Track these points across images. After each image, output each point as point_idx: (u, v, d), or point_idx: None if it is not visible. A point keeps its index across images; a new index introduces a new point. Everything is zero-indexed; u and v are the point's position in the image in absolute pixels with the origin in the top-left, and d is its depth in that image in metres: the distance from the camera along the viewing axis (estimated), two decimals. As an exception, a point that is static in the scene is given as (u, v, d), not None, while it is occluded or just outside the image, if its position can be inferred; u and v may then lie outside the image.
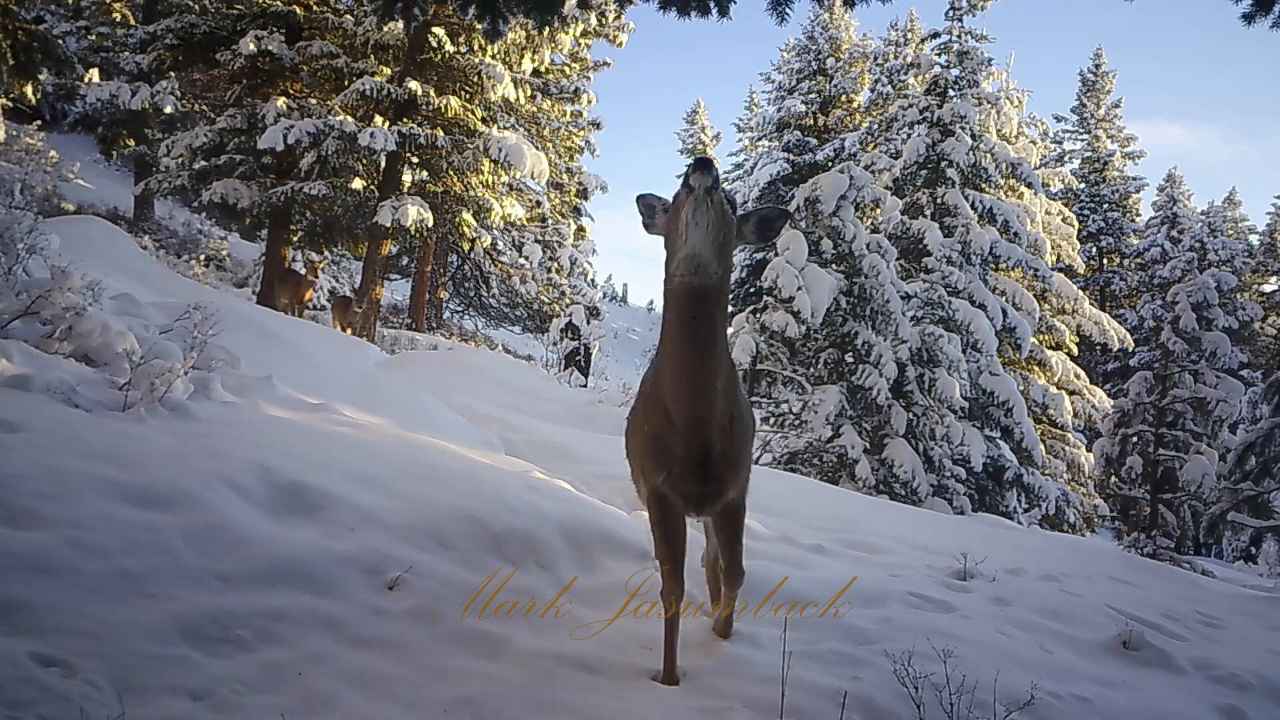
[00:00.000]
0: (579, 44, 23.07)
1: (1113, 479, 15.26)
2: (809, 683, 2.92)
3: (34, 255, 4.75)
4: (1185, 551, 15.90)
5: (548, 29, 16.88)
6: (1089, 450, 17.34)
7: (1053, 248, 21.03)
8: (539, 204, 22.76)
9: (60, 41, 10.26)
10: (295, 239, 18.05)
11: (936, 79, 18.33)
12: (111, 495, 2.96)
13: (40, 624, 2.33)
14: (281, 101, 15.82)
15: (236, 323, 5.80)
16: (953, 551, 5.75)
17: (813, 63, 31.64)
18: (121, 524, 2.83)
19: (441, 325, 24.03)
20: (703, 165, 2.64)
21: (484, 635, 2.96)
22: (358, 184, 16.55)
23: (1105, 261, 35.44)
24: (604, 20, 20.59)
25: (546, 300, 23.81)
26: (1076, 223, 24.73)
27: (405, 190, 16.42)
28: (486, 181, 17.44)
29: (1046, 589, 5.29)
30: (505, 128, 18.93)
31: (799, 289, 12.41)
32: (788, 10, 4.25)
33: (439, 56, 16.33)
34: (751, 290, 22.47)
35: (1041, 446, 16.34)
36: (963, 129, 17.67)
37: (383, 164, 16.54)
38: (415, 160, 16.66)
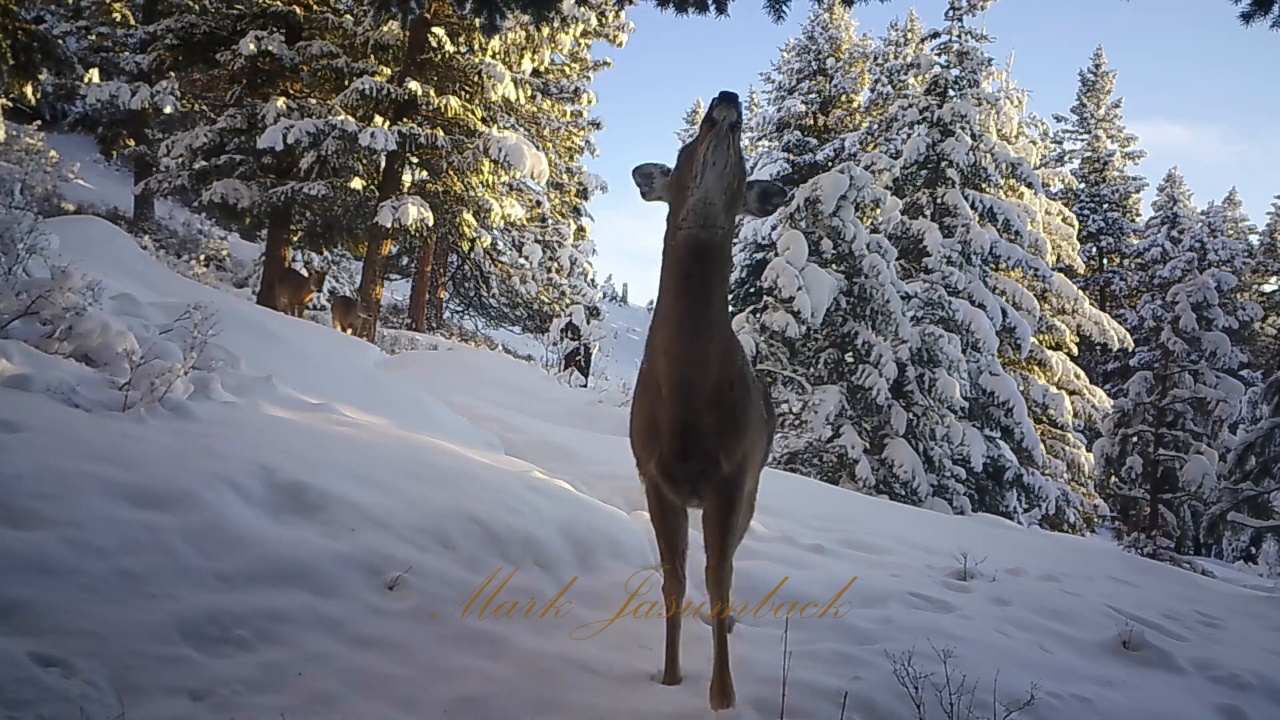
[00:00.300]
0: (579, 44, 23.07)
1: (1113, 479, 15.25)
2: (809, 683, 2.92)
3: (34, 255, 4.75)
4: (1185, 551, 15.90)
5: (548, 28, 16.94)
6: (1089, 450, 17.34)
7: (1053, 248, 21.03)
8: (539, 204, 22.77)
9: (60, 41, 10.26)
10: (295, 239, 18.06)
11: (936, 79, 18.33)
12: (111, 495, 2.96)
13: (40, 624, 2.33)
14: (281, 101, 15.83)
15: (236, 323, 5.80)
16: (953, 551, 5.76)
17: (813, 63, 31.64)
18: (121, 524, 2.83)
19: (441, 325, 24.03)
20: (728, 98, 2.45)
21: (484, 635, 2.96)
22: (358, 184, 16.56)
23: (1105, 261, 35.45)
24: (604, 20, 20.60)
25: (546, 300, 23.81)
26: (1076, 223, 24.73)
27: (405, 190, 16.42)
28: (486, 181, 17.45)
29: (1046, 589, 5.29)
30: (505, 128, 18.94)
31: (799, 289, 12.41)
32: (784, 8, 4.24)
33: (439, 56, 16.33)
34: (751, 290, 22.48)
35: (1041, 446, 16.34)
36: (963, 129, 17.67)
37: (383, 164, 16.54)
38: (415, 160, 16.66)
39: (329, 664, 2.56)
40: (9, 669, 2.13)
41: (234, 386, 4.64)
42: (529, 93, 19.30)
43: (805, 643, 3.33)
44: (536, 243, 23.20)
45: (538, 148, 19.04)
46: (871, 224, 16.56)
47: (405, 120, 16.03)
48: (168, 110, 17.43)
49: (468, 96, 17.13)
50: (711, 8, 4.39)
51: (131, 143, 21.52)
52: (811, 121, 30.83)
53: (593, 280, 26.47)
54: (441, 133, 16.25)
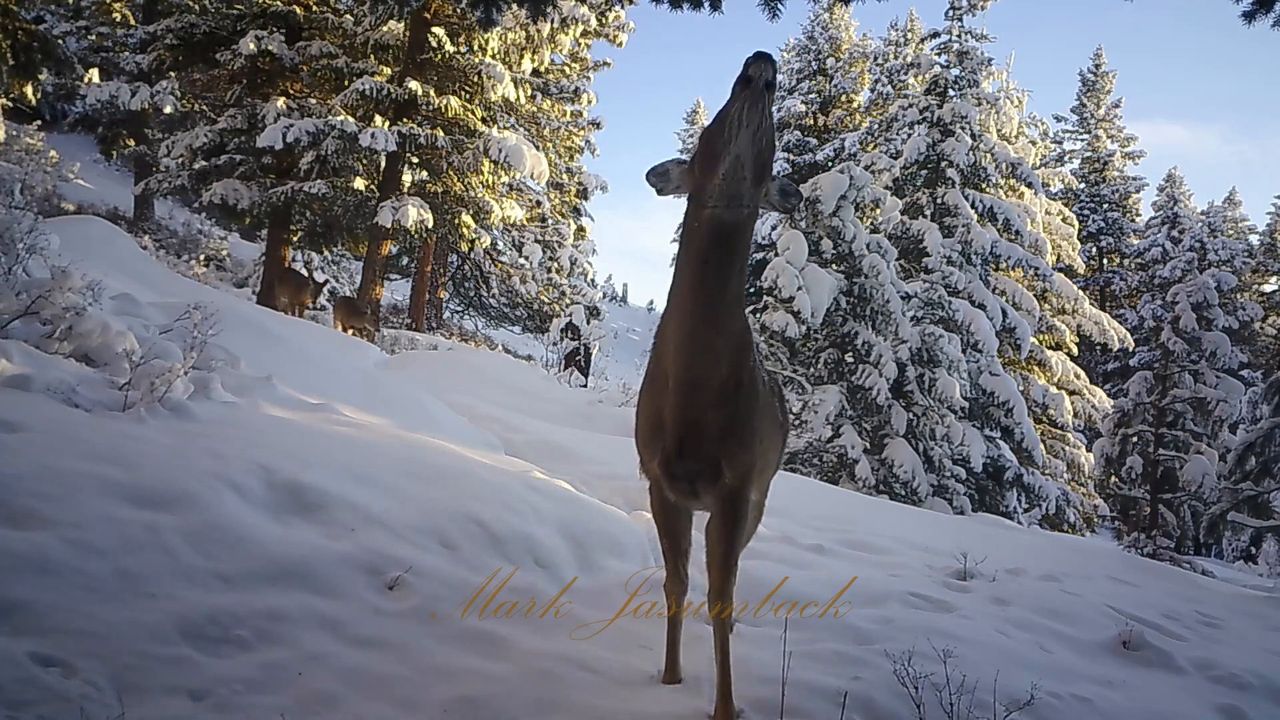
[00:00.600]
0: (579, 44, 23.07)
1: (1113, 479, 15.25)
2: (809, 683, 2.92)
3: (34, 255, 4.75)
4: (1185, 551, 15.90)
5: (547, 26, 16.94)
6: (1089, 450, 17.34)
7: (1053, 248, 21.03)
8: (539, 204, 22.77)
9: (60, 41, 10.26)
10: (295, 239, 18.06)
11: (936, 79, 18.33)
12: (111, 495, 2.96)
13: (40, 624, 2.33)
14: (281, 101, 15.83)
15: (236, 323, 5.80)
16: (953, 551, 5.76)
17: (813, 63, 31.65)
18: (121, 524, 2.83)
19: (441, 325, 24.02)
20: (764, 55, 2.31)
21: (484, 635, 2.96)
22: (358, 184, 16.56)
23: (1105, 261, 35.45)
24: (604, 20, 20.59)
25: (546, 300, 23.81)
26: (1076, 223, 24.73)
27: (405, 190, 16.43)
28: (486, 182, 17.45)
29: (1046, 589, 5.29)
30: (505, 128, 18.95)
31: (799, 289, 12.41)
32: (779, 7, 4.23)
33: (439, 56, 16.33)
34: (751, 290, 22.49)
35: (1041, 446, 16.34)
36: (963, 129, 17.67)
37: (383, 164, 16.55)
38: (415, 160, 16.67)
39: (329, 664, 2.56)
40: (9, 669, 2.13)
41: (234, 386, 4.64)
42: (529, 93, 19.31)
43: (805, 643, 3.33)
44: (536, 243, 23.20)
45: (538, 148, 19.05)
46: (871, 224, 16.56)
47: (405, 120, 16.04)
48: (168, 110, 17.44)
49: (468, 96, 17.14)
50: (706, 4, 4.39)
51: (131, 143, 21.53)
52: (811, 121, 30.84)
53: (593, 280, 26.47)
54: (441, 133, 16.25)
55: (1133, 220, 36.03)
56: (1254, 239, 37.62)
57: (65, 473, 2.97)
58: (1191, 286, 15.14)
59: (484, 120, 17.36)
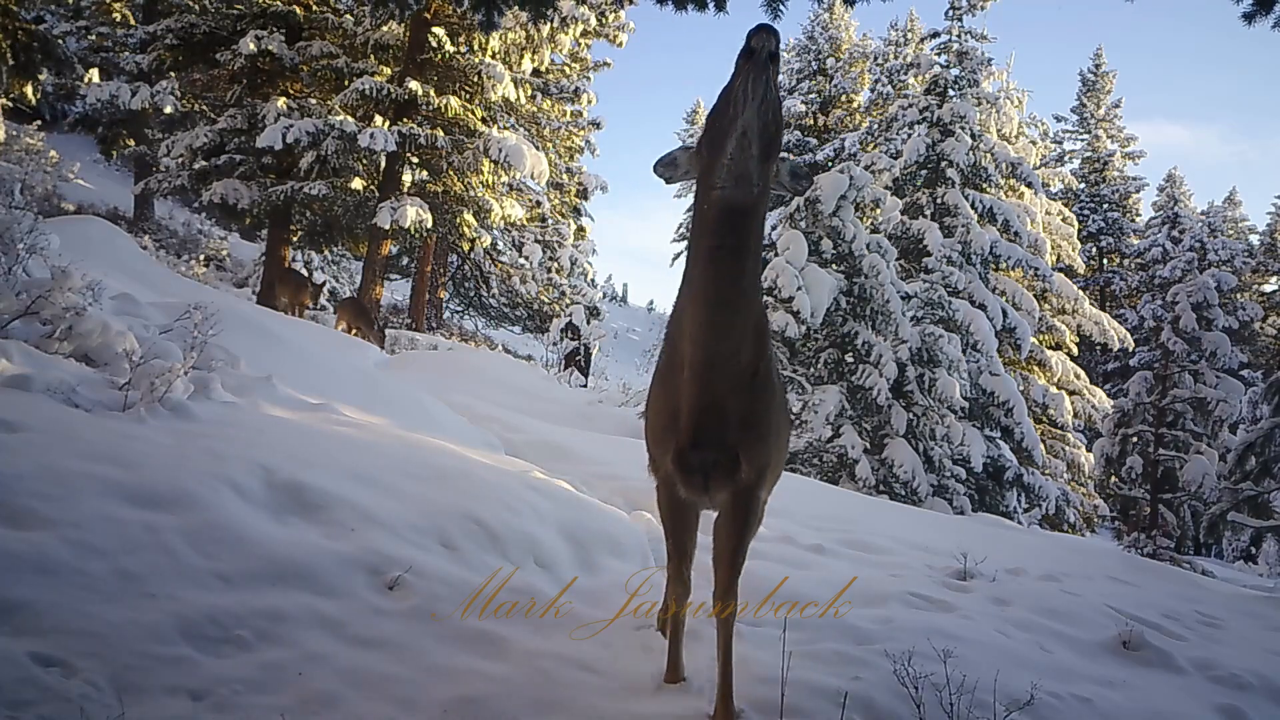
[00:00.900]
0: (579, 44, 23.07)
1: (1113, 479, 15.26)
2: (809, 683, 2.92)
3: (34, 255, 4.75)
4: (1185, 551, 15.90)
5: (547, 27, 16.94)
6: (1089, 450, 17.34)
7: (1053, 248, 21.03)
8: (539, 204, 22.77)
9: (60, 41, 10.26)
10: (295, 239, 18.07)
11: (936, 79, 18.33)
12: (111, 495, 2.96)
13: (40, 624, 2.33)
14: (281, 101, 15.84)
15: (236, 323, 5.80)
16: (953, 551, 5.76)
17: (813, 63, 31.66)
18: (121, 524, 2.83)
19: (441, 325, 24.02)
20: (766, 27, 2.28)
21: (484, 635, 2.96)
22: (358, 184, 16.57)
23: (1105, 261, 35.44)
24: (604, 20, 20.60)
25: (546, 300, 23.81)
26: (1076, 223, 24.73)
27: (405, 190, 16.43)
28: (486, 182, 17.46)
29: (1046, 589, 5.29)
30: (505, 128, 18.95)
31: (799, 289, 12.41)
32: (781, 6, 4.22)
33: (439, 56, 16.34)
34: (751, 290, 22.39)
35: (1041, 446, 16.33)
36: (963, 129, 17.67)
37: (383, 164, 16.55)
38: (415, 160, 16.67)
39: (329, 664, 2.56)
40: (9, 669, 2.13)
41: (234, 386, 4.64)
42: (529, 93, 19.31)
43: (805, 643, 3.33)
44: (536, 243, 23.20)
45: (538, 148, 19.06)
46: (871, 224, 16.55)
47: (405, 120, 16.04)
48: (168, 110, 17.44)
49: (468, 96, 17.14)
50: (710, 5, 4.38)
51: (131, 143, 21.52)
52: (811, 121, 30.84)
53: (593, 280, 26.47)
54: (441, 133, 16.26)
55: (1133, 220, 36.03)
56: (1254, 239, 37.63)
57: (65, 473, 2.97)
58: (1191, 286, 15.15)
59: (484, 120, 17.37)
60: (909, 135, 18.47)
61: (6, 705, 2.04)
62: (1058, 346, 19.57)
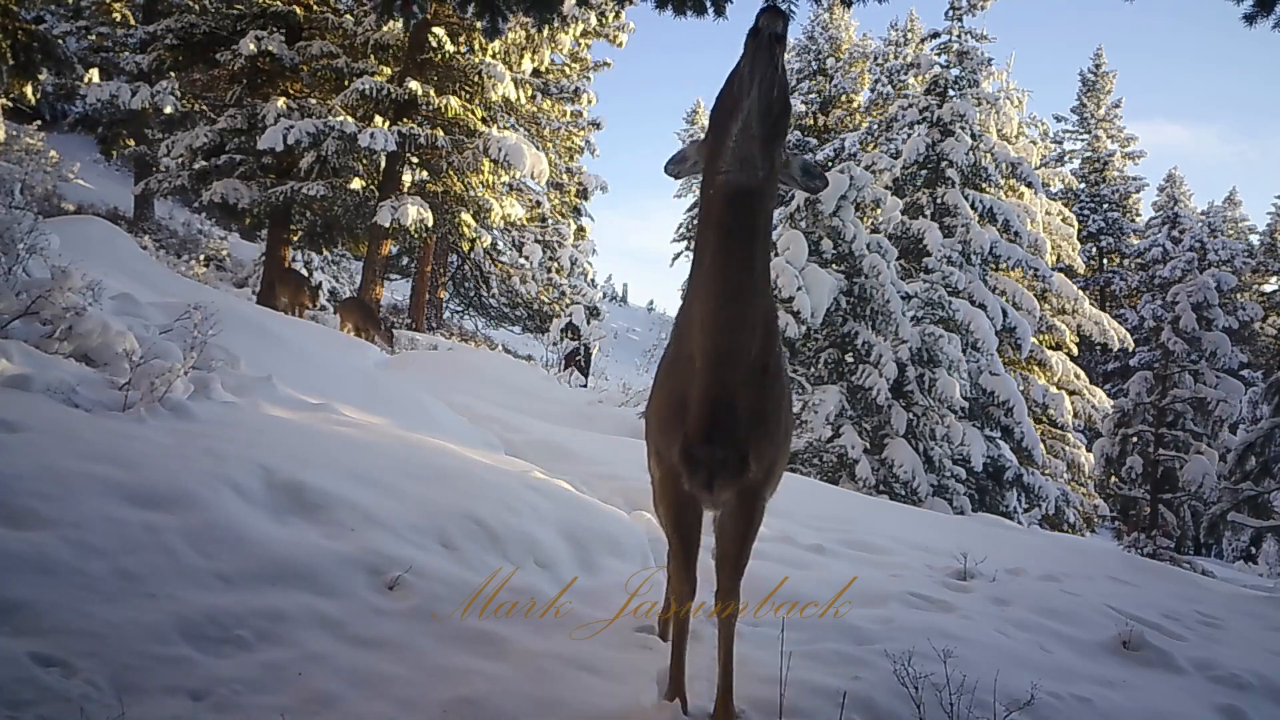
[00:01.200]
0: (579, 44, 23.08)
1: (1113, 479, 15.25)
2: (809, 683, 2.92)
3: (34, 255, 4.75)
4: (1185, 551, 15.90)
5: (548, 28, 16.94)
6: (1089, 450, 17.33)
7: (1053, 248, 21.03)
8: (539, 204, 22.78)
9: (60, 41, 10.25)
10: (295, 239, 18.08)
11: (936, 79, 18.33)
12: (111, 495, 2.96)
13: (40, 624, 2.33)
14: (281, 101, 15.84)
15: (236, 323, 5.80)
16: (953, 551, 5.76)
17: (813, 63, 31.67)
18: (121, 524, 2.83)
19: (441, 325, 24.03)
20: (773, 7, 2.26)
21: (484, 635, 2.95)
22: (357, 184, 16.58)
23: (1105, 261, 35.44)
24: (604, 20, 20.60)
25: (546, 300, 23.82)
26: (1076, 223, 24.73)
27: (405, 190, 16.44)
28: (486, 181, 17.46)
29: (1046, 589, 5.29)
30: (505, 128, 18.95)
31: (799, 289, 12.40)
32: (793, 6, 4.22)
33: (439, 56, 16.35)
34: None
35: (1041, 446, 16.33)
36: (963, 129, 17.67)
37: (383, 164, 16.56)
38: (415, 160, 16.68)
39: (329, 664, 2.56)
40: (9, 669, 2.13)
41: (234, 386, 4.65)
42: (529, 93, 19.31)
43: (805, 643, 3.33)
44: (536, 243, 23.21)
45: (538, 148, 19.06)
46: (871, 224, 16.56)
47: (405, 120, 16.04)
48: (168, 110, 17.45)
49: (468, 96, 17.15)
50: (710, 10, 4.38)
51: (131, 143, 21.53)
52: (811, 121, 30.85)
53: (593, 280, 26.47)
54: (441, 133, 16.26)
55: (1133, 220, 36.02)
56: (1254, 239, 37.62)
57: (65, 473, 2.97)
58: (1191, 286, 15.14)
59: (484, 120, 17.38)
60: (909, 135, 18.47)
61: (6, 705, 2.04)
62: (1058, 346, 19.57)
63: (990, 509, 14.84)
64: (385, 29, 16.35)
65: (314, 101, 16.79)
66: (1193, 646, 4.51)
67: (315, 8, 16.88)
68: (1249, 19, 4.03)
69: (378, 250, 17.10)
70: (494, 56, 16.98)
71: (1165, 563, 10.87)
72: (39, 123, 17.48)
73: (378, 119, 16.30)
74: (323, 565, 3.05)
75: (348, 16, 17.19)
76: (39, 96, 11.36)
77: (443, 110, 16.17)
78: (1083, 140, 36.70)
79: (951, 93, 18.10)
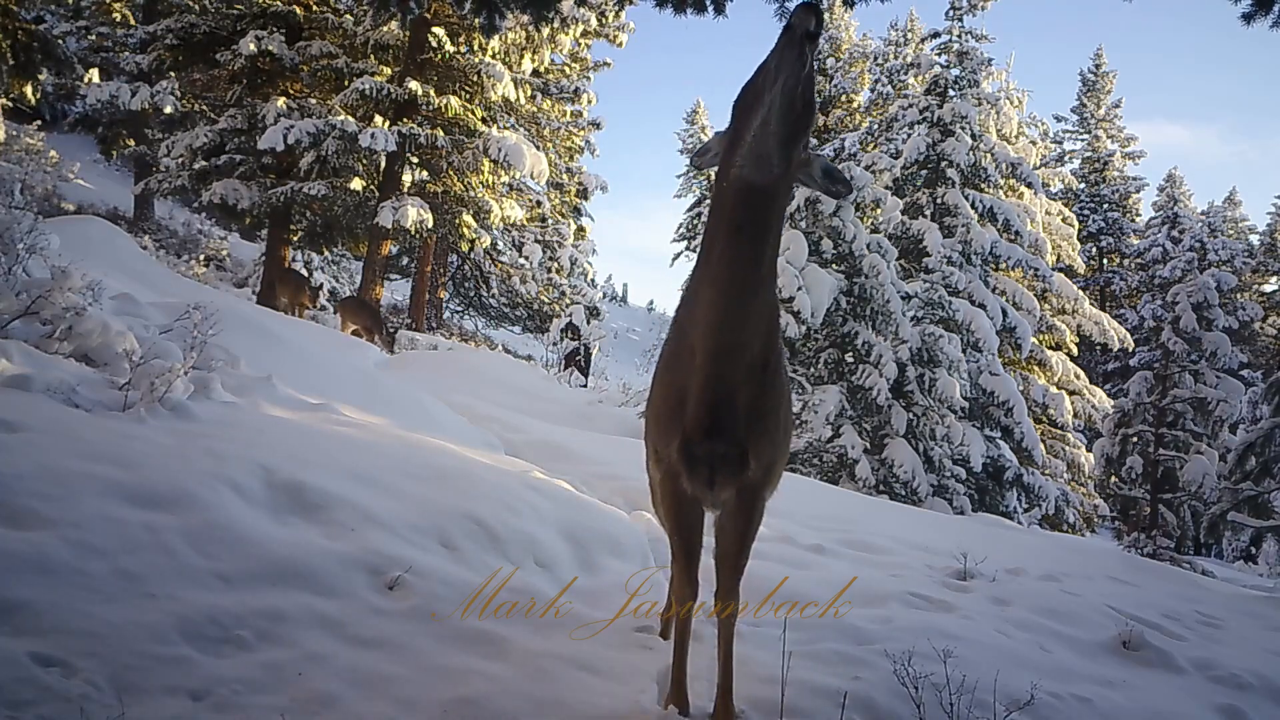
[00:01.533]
0: (579, 44, 23.09)
1: (1113, 479, 15.24)
2: (809, 683, 2.92)
3: (34, 255, 4.75)
4: (1185, 551, 15.90)
5: (548, 28, 16.95)
6: (1089, 450, 17.33)
7: (1053, 248, 21.03)
8: (539, 204, 22.78)
9: (60, 41, 10.26)
10: (295, 239, 18.08)
11: (936, 79, 18.32)
12: (111, 495, 2.96)
13: (40, 624, 2.33)
14: (281, 101, 15.84)
15: (236, 323, 5.80)
16: (953, 551, 5.76)
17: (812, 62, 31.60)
18: (121, 524, 2.83)
19: (441, 325, 24.03)
20: (808, 4, 2.22)
21: (484, 635, 2.95)
22: (358, 184, 16.58)
23: (1105, 261, 35.44)
24: (604, 20, 20.61)
25: (546, 300, 23.82)
26: (1076, 223, 24.72)
27: (405, 190, 16.44)
28: (486, 181, 17.47)
29: (1046, 589, 5.29)
30: (505, 128, 18.96)
31: (799, 289, 12.40)
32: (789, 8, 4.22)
33: (439, 56, 16.35)
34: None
35: (1041, 446, 16.33)
36: (963, 129, 17.66)
37: (383, 164, 16.56)
38: (415, 160, 16.68)
39: (329, 664, 2.56)
40: (9, 669, 2.13)
41: (234, 386, 4.65)
42: (529, 93, 19.32)
43: (805, 643, 3.33)
44: (536, 243, 23.21)
45: (538, 148, 19.06)
46: (871, 224, 16.55)
47: (405, 120, 16.04)
48: (168, 110, 17.45)
49: (468, 96, 17.15)
50: (710, 8, 4.39)
51: (131, 143, 21.54)
52: (811, 121, 30.78)
53: (593, 280, 26.47)
54: (441, 133, 16.26)
55: (1133, 220, 36.02)
56: (1254, 239, 37.62)
57: (65, 473, 2.97)
58: (1191, 286, 15.13)
59: (484, 120, 17.38)
60: (909, 135, 18.46)
61: (6, 705, 2.04)
62: (1058, 346, 19.57)
63: (990, 509, 14.84)
64: (385, 29, 16.36)
65: (314, 101, 16.80)
66: (1193, 646, 4.51)
67: (315, 8, 16.88)
68: (1247, 18, 4.04)
69: (378, 250, 17.10)
70: (494, 56, 16.98)
71: (1165, 563, 10.87)
72: (39, 123, 17.48)
73: (378, 119, 16.31)
74: (323, 565, 3.05)
75: (348, 16, 17.19)
76: (39, 96, 11.36)
77: (443, 110, 16.18)
78: (1083, 140, 36.70)
79: (951, 93, 18.10)
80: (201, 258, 19.17)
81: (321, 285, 18.69)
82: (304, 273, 18.28)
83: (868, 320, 13.31)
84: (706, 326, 2.36)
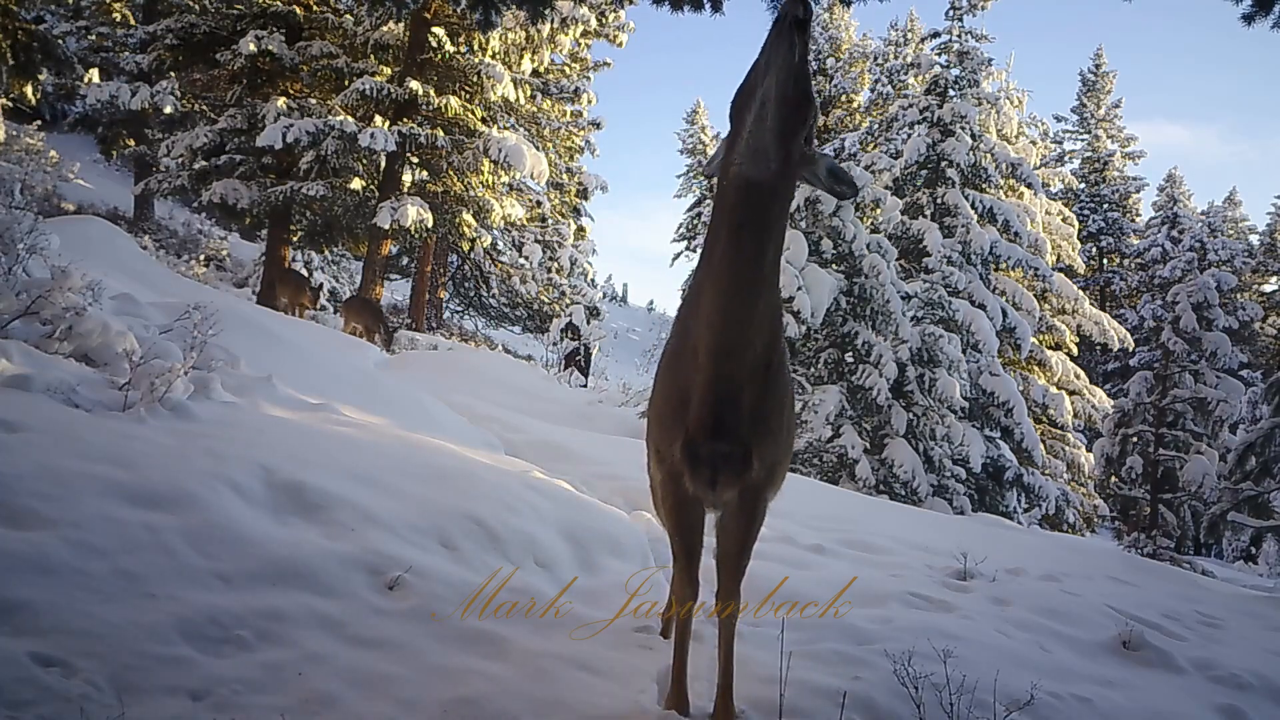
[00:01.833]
0: (579, 44, 23.08)
1: (1113, 479, 15.24)
2: (809, 683, 2.92)
3: (34, 255, 4.75)
4: (1185, 551, 15.89)
5: (547, 27, 16.95)
6: (1089, 450, 17.33)
7: (1053, 248, 21.02)
8: (539, 204, 22.78)
9: (60, 41, 10.25)
10: (295, 239, 18.08)
11: (936, 79, 18.32)
12: (111, 495, 2.96)
13: (40, 624, 2.33)
14: (281, 101, 15.84)
15: (236, 323, 5.80)
16: (953, 551, 5.76)
17: (812, 62, 31.63)
18: (121, 524, 2.83)
19: (441, 325, 24.03)
20: None
21: (484, 635, 2.95)
22: (357, 184, 16.58)
23: (1105, 261, 35.44)
24: (604, 20, 20.61)
25: (546, 300, 23.82)
26: (1076, 223, 24.72)
27: (405, 190, 16.44)
28: (486, 182, 17.47)
29: (1046, 589, 5.29)
30: (505, 128, 18.96)
31: (799, 289, 12.40)
32: None
33: (439, 56, 16.35)
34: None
35: (1041, 446, 16.33)
36: (963, 129, 17.66)
37: (383, 164, 16.56)
38: (415, 160, 16.68)
39: (329, 664, 2.56)
40: (9, 669, 2.13)
41: (234, 386, 4.65)
42: (529, 93, 19.31)
43: (805, 643, 3.33)
44: (536, 243, 23.21)
45: (538, 148, 19.07)
46: (871, 224, 16.55)
47: (405, 120, 16.05)
48: (168, 110, 17.46)
49: (468, 96, 17.15)
50: (707, 6, 4.40)
51: (131, 143, 21.54)
52: (812, 121, 30.78)
53: (593, 280, 26.48)
54: (441, 133, 16.26)
55: (1133, 220, 36.02)
56: (1254, 239, 37.62)
57: (65, 473, 2.97)
58: (1191, 286, 15.14)
59: (484, 120, 17.38)
60: (909, 135, 18.46)
61: (6, 705, 2.04)
62: (1058, 346, 19.57)
63: (990, 509, 14.85)
64: (385, 29, 16.37)
65: (314, 101, 16.80)
66: (1193, 646, 4.51)
67: (315, 8, 16.88)
68: (1247, 19, 4.04)
69: (378, 250, 17.11)
70: (494, 57, 16.98)
71: (1165, 563, 10.87)
72: (39, 123, 17.47)
73: (378, 119, 16.31)
74: (323, 565, 3.05)
75: (348, 16, 17.20)
76: (39, 96, 11.36)
77: (443, 110, 16.18)
78: (1083, 140, 36.70)
79: (952, 93, 18.10)
80: (201, 258, 19.17)
81: (321, 285, 18.70)
82: (304, 273, 18.29)
83: (868, 320, 13.31)
84: (709, 326, 2.34)
